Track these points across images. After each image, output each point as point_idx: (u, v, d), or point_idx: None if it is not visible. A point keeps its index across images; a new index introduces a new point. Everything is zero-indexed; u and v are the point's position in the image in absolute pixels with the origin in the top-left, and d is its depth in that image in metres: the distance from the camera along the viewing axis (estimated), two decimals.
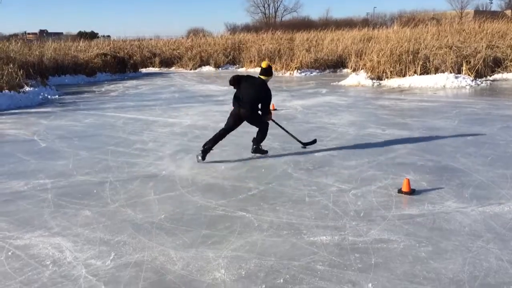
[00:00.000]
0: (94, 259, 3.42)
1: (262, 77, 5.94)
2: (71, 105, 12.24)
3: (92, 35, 53.76)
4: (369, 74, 15.61)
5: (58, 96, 14.26)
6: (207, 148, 5.98)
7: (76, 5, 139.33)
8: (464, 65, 14.83)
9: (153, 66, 27.62)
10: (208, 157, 6.09)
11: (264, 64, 5.97)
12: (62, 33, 65.23)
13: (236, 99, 5.90)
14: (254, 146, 6.21)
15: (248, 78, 6.02)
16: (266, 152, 6.25)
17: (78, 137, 7.92)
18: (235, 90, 6.00)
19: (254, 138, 6.20)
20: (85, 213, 4.37)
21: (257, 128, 6.12)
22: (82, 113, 10.78)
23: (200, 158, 5.98)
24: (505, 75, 15.33)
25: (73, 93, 15.35)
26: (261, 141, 6.20)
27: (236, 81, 5.91)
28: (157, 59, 27.75)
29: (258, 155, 6.22)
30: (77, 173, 5.74)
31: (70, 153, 6.79)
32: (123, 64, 22.69)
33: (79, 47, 25.87)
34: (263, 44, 24.88)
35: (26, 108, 11.65)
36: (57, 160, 6.42)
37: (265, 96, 5.87)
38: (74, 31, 63.32)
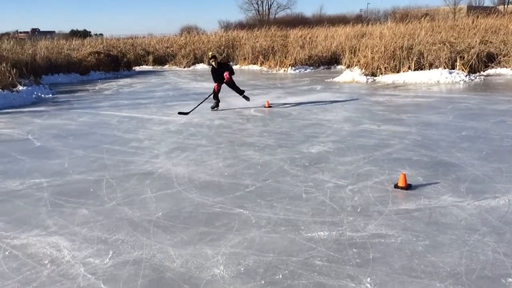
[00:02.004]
0: (92, 258, 3.42)
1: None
2: (65, 104, 12.18)
3: (85, 34, 53.45)
4: (363, 70, 15.62)
5: (52, 95, 14.18)
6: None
7: (68, 3, 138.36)
8: (458, 60, 14.89)
9: (146, 64, 27.53)
10: (204, 155, 6.24)
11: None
12: (54, 31, 64.81)
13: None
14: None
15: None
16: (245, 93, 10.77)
17: (73, 136, 7.88)
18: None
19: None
20: (82, 211, 4.36)
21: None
22: (76, 111, 10.73)
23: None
24: (498, 70, 15.41)
25: (67, 91, 15.27)
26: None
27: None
28: (150, 57, 27.67)
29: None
30: (73, 172, 5.72)
31: (65, 152, 6.76)
32: (116, 62, 22.61)
33: (72, 45, 25.76)
34: (257, 41, 24.82)
35: (20, 108, 11.58)
36: (52, 159, 6.39)
37: None
38: (67, 30, 63.03)
